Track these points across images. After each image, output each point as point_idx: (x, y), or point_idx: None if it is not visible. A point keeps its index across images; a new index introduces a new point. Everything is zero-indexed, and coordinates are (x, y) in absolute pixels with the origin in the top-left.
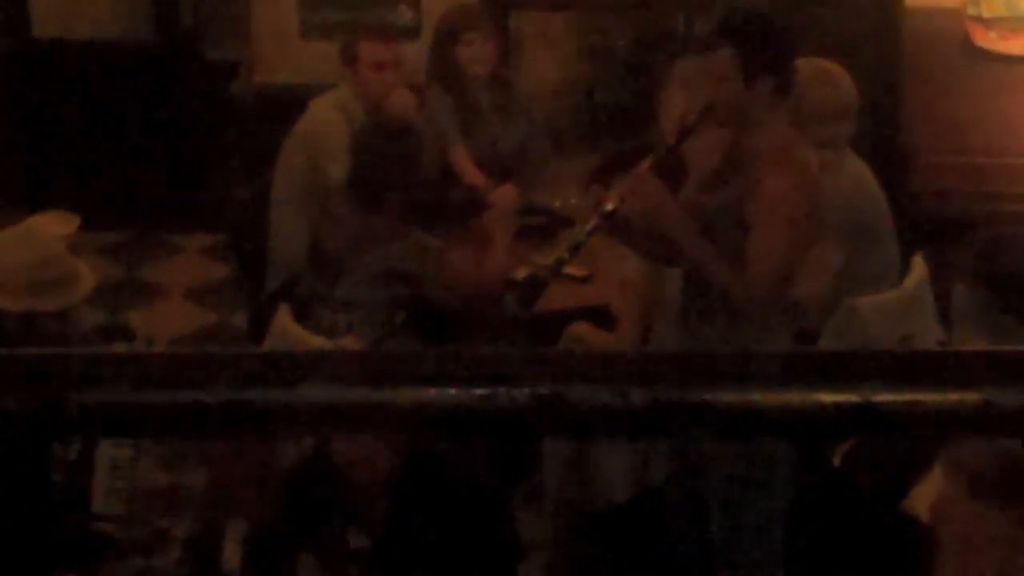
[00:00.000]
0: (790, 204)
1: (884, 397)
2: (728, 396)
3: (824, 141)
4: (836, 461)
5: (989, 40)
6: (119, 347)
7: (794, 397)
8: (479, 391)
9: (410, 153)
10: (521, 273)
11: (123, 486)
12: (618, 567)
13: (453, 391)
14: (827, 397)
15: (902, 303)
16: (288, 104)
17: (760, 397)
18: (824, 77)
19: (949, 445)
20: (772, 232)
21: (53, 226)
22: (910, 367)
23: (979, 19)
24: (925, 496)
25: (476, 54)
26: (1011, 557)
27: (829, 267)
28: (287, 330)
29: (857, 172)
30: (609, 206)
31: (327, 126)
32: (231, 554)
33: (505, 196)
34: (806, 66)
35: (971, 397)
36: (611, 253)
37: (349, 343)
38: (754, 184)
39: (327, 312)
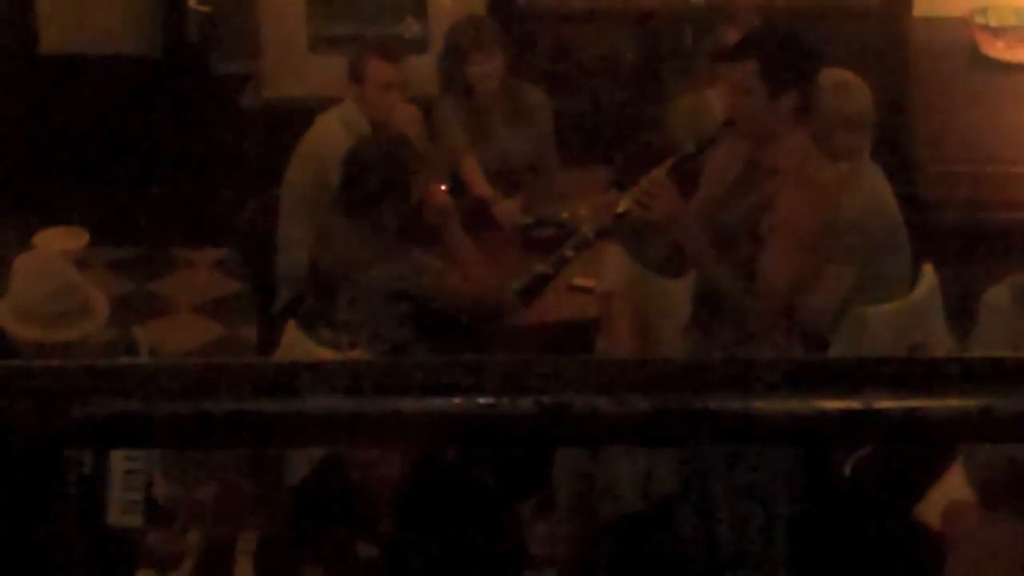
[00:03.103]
0: (804, 222)
1: (886, 404)
2: (731, 404)
3: (841, 152)
4: (847, 470)
5: (997, 49)
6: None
7: (796, 404)
8: (483, 400)
9: (402, 168)
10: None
11: (137, 497)
12: None
13: (457, 400)
14: (829, 404)
15: (911, 312)
16: (296, 117)
17: (763, 404)
18: (841, 87)
19: (959, 454)
20: (784, 248)
21: (61, 242)
22: (912, 374)
23: (987, 28)
24: (936, 504)
25: (486, 68)
26: (1020, 565)
27: (841, 283)
28: (296, 345)
29: (873, 184)
30: (621, 208)
31: (332, 141)
32: (242, 566)
33: (506, 212)
34: (822, 77)
35: (972, 403)
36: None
37: (357, 357)
38: (769, 200)
39: (330, 331)
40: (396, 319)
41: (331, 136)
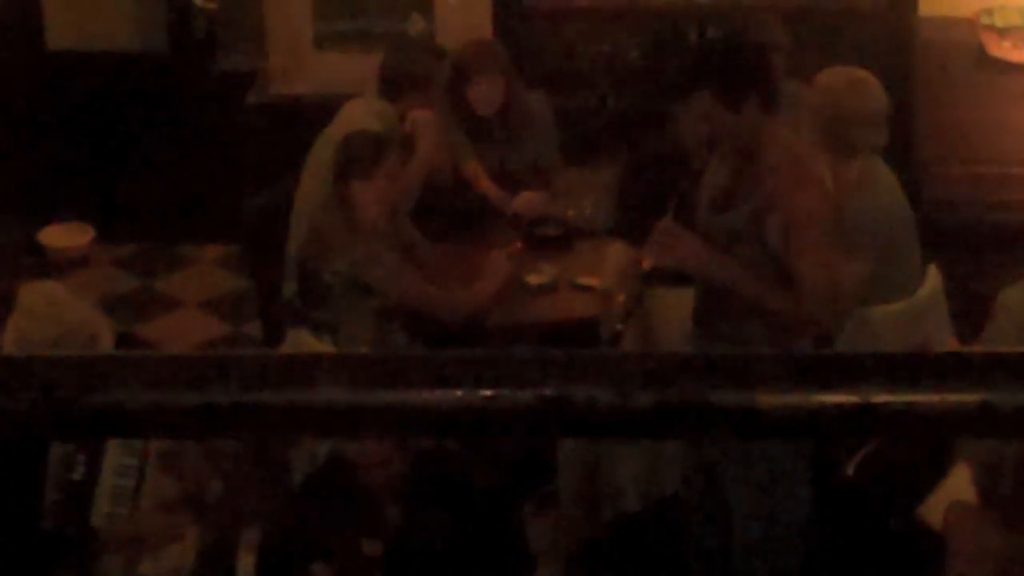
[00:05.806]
0: (817, 218)
1: (883, 398)
2: (731, 397)
3: (856, 149)
4: (850, 470)
5: (1003, 50)
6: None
7: (795, 398)
8: (484, 392)
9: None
10: (534, 280)
11: (128, 485)
12: None
13: (458, 393)
14: (827, 398)
15: (916, 312)
16: (302, 114)
17: (763, 398)
18: (855, 85)
19: (963, 455)
20: (810, 249)
21: (67, 238)
22: (909, 368)
23: (993, 29)
24: (938, 504)
25: (486, 94)
26: (1021, 566)
27: (857, 279)
28: (301, 343)
29: (888, 181)
30: (646, 266)
31: (356, 128)
32: (245, 563)
33: (528, 203)
34: (837, 75)
35: (970, 398)
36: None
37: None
38: (770, 201)
39: (312, 336)
40: (371, 317)
41: (357, 123)
